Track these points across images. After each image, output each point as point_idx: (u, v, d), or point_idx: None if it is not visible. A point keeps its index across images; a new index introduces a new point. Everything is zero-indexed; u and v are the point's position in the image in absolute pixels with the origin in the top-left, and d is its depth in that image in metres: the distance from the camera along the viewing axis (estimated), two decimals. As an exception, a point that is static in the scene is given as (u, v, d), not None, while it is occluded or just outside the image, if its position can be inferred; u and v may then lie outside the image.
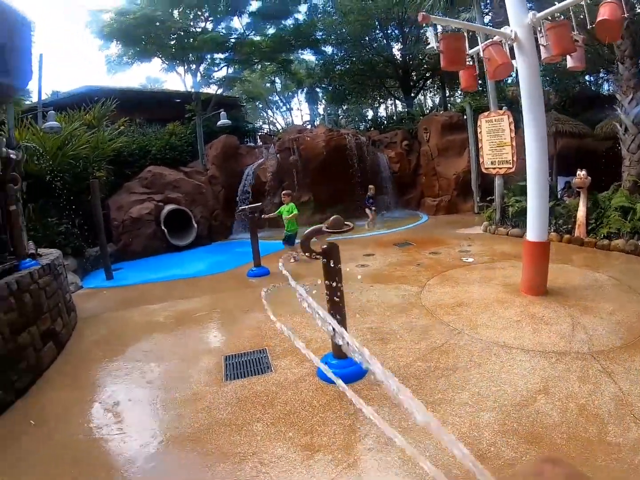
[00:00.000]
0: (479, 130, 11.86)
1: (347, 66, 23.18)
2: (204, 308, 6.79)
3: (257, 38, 19.41)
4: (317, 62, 24.11)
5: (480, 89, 22.17)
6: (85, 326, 6.39)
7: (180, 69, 17.69)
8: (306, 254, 4.01)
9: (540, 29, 5.44)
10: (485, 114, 11.57)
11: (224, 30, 19.03)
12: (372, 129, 20.62)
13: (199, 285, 8.39)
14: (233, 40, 18.53)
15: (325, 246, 3.93)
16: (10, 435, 3.68)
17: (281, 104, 38.83)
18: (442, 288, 6.74)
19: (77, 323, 6.49)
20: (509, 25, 5.70)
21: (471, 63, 6.12)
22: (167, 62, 18.33)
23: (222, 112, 13.11)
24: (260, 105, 38.13)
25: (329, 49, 23.04)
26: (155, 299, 7.51)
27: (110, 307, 7.30)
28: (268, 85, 33.56)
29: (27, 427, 3.79)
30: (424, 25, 5.39)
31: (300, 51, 22.22)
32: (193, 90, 17.22)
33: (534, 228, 6.09)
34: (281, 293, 7.06)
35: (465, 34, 5.57)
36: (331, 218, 3.77)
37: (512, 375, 4.02)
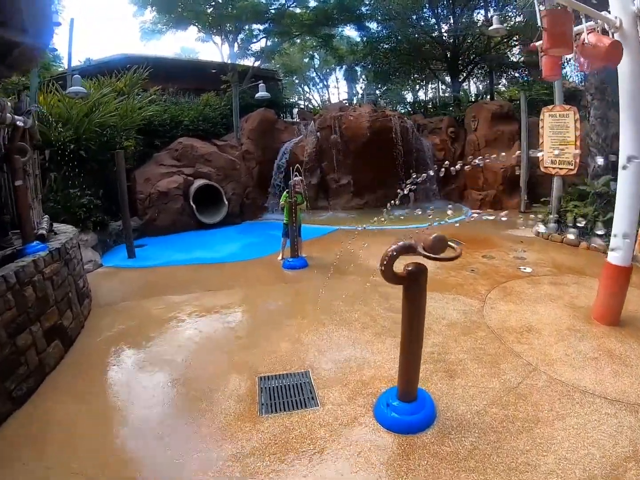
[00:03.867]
0: (540, 124, 10.84)
1: (393, 44, 21.83)
2: (233, 305, 6.10)
3: (298, 10, 18.66)
4: (360, 38, 22.87)
5: (532, 79, 20.97)
6: (99, 316, 5.76)
7: (217, 39, 17.10)
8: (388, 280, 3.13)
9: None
10: (549, 107, 10.54)
11: (264, 0, 18.19)
12: (413, 112, 19.55)
13: (228, 274, 7.69)
14: (273, 10, 17.77)
15: (410, 268, 3.08)
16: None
17: (318, 81, 37.85)
18: (506, 305, 5.87)
19: (91, 311, 5.89)
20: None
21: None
22: (203, 31, 17.90)
23: (261, 84, 12.22)
24: (297, 81, 37.18)
25: (373, 26, 21.72)
26: (179, 288, 6.84)
27: (128, 294, 6.66)
28: (306, 60, 32.51)
29: (21, 448, 3.17)
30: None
31: (343, 26, 21.23)
32: (229, 61, 16.61)
33: (620, 249, 5.15)
34: (324, 296, 6.36)
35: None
36: (432, 236, 2.79)
37: (599, 434, 3.26)
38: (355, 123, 13.35)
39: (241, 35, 18.49)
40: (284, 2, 18.14)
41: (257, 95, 12.30)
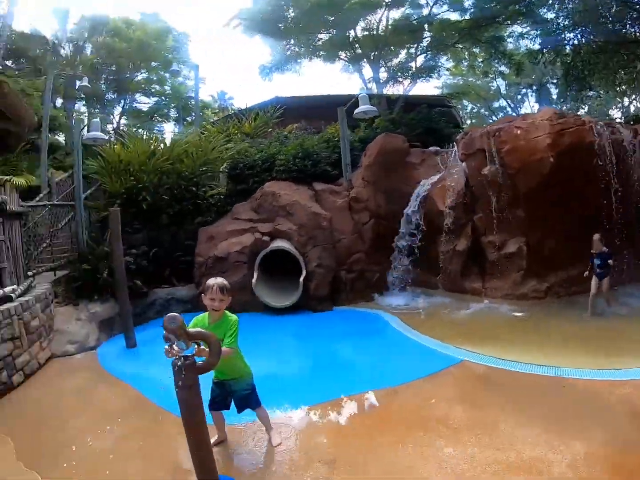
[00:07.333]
0: None
1: (581, 35, 15.21)
2: None
3: (452, 16, 16.33)
4: (535, 34, 16.94)
5: None
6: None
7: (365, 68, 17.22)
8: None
9: None
10: None
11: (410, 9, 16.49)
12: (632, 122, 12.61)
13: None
14: (415, 22, 15.99)
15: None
16: None
17: (510, 110, 33.78)
18: None
19: None
20: None
21: None
22: (349, 61, 17.56)
23: (362, 95, 7.94)
24: (486, 113, 34.21)
25: (550, 15, 15.79)
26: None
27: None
28: (493, 88, 30.07)
29: None
30: None
31: (510, 24, 16.75)
32: (376, 90, 16.10)
33: None
34: None
35: None
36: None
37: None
38: (526, 141, 7.51)
39: (395, 60, 17.68)
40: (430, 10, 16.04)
41: (355, 111, 8.07)
